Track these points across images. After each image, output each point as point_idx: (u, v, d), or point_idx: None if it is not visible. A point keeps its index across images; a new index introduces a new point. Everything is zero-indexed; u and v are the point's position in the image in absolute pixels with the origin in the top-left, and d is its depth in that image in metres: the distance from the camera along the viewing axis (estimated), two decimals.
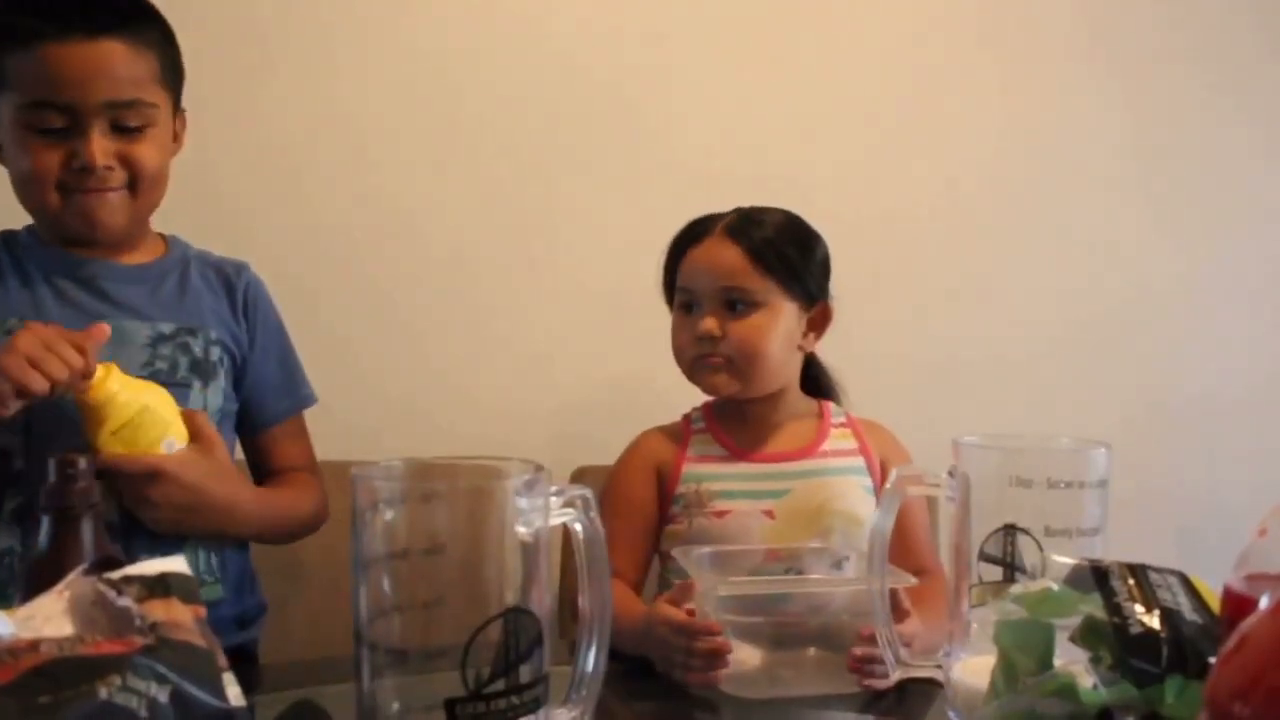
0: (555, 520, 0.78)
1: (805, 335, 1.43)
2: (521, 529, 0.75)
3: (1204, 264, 2.16)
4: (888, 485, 0.97)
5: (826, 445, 1.42)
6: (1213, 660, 0.55)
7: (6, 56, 1.17)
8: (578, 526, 0.80)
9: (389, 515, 0.75)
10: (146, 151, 1.21)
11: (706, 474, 1.39)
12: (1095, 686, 0.70)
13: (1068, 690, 0.71)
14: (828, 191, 2.00)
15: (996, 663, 0.77)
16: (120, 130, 1.19)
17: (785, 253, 1.39)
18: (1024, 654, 0.74)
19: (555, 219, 1.90)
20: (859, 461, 1.42)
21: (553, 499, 0.78)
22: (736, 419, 1.43)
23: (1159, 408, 2.12)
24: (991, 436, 0.93)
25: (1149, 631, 0.71)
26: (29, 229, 1.29)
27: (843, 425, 1.45)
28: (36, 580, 0.81)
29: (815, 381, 1.51)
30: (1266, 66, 2.17)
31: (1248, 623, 0.53)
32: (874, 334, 2.02)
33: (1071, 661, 0.73)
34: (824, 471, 1.39)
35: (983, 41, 2.07)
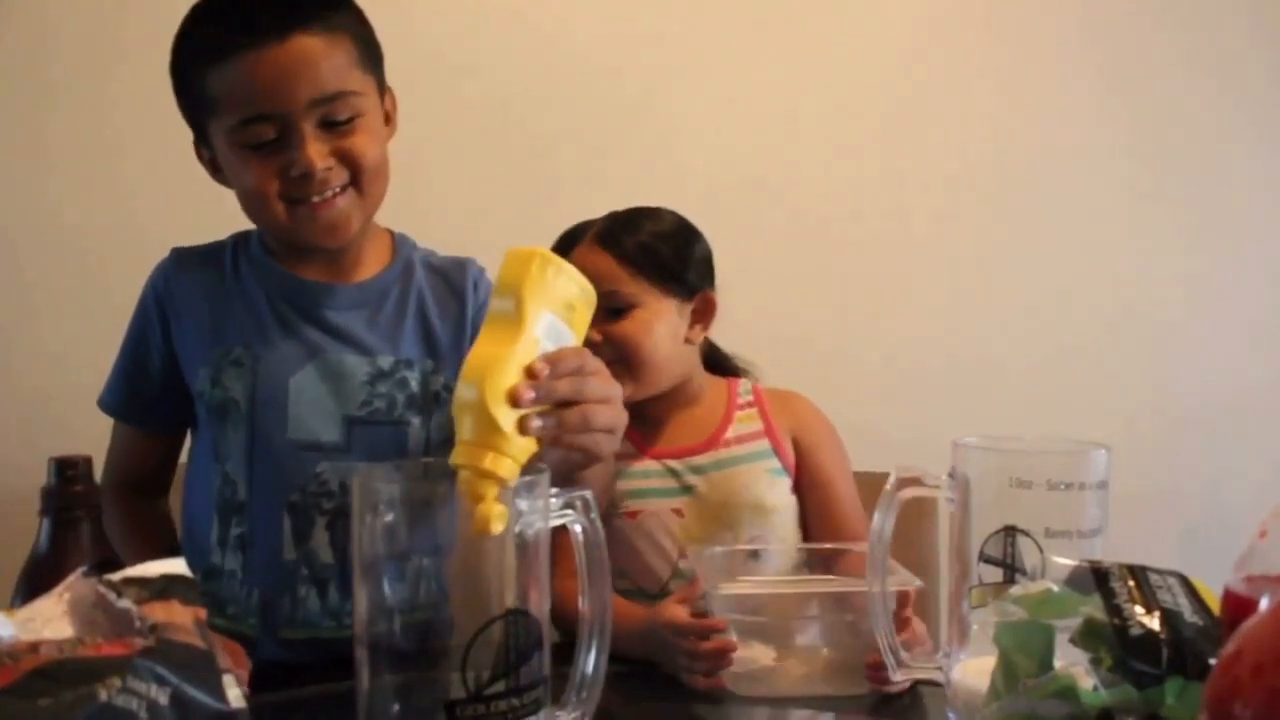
0: (555, 522, 0.78)
1: (692, 328, 1.42)
2: (521, 530, 0.75)
3: (1205, 267, 2.16)
4: (886, 487, 0.96)
5: (730, 432, 1.42)
6: (1213, 662, 0.55)
7: (208, 77, 1.14)
8: (577, 528, 0.80)
9: (389, 517, 0.75)
10: (362, 143, 1.16)
11: (617, 473, 1.38)
12: (1095, 688, 0.70)
13: (1068, 692, 0.71)
14: (829, 195, 2.00)
15: (997, 664, 0.77)
16: (331, 127, 1.14)
17: (658, 252, 1.38)
18: (1024, 655, 0.74)
19: (558, 220, 1.90)
20: (763, 444, 1.42)
21: (552, 501, 0.78)
22: (637, 416, 1.38)
23: (1160, 409, 2.12)
24: (991, 438, 0.93)
25: (1149, 633, 0.71)
26: (261, 235, 1.28)
27: (749, 405, 1.45)
28: (36, 582, 0.81)
29: (720, 366, 1.50)
30: (1268, 72, 2.17)
31: (1248, 624, 0.53)
32: (875, 335, 2.02)
33: (1072, 663, 0.73)
34: (728, 462, 1.39)
35: (984, 44, 2.08)
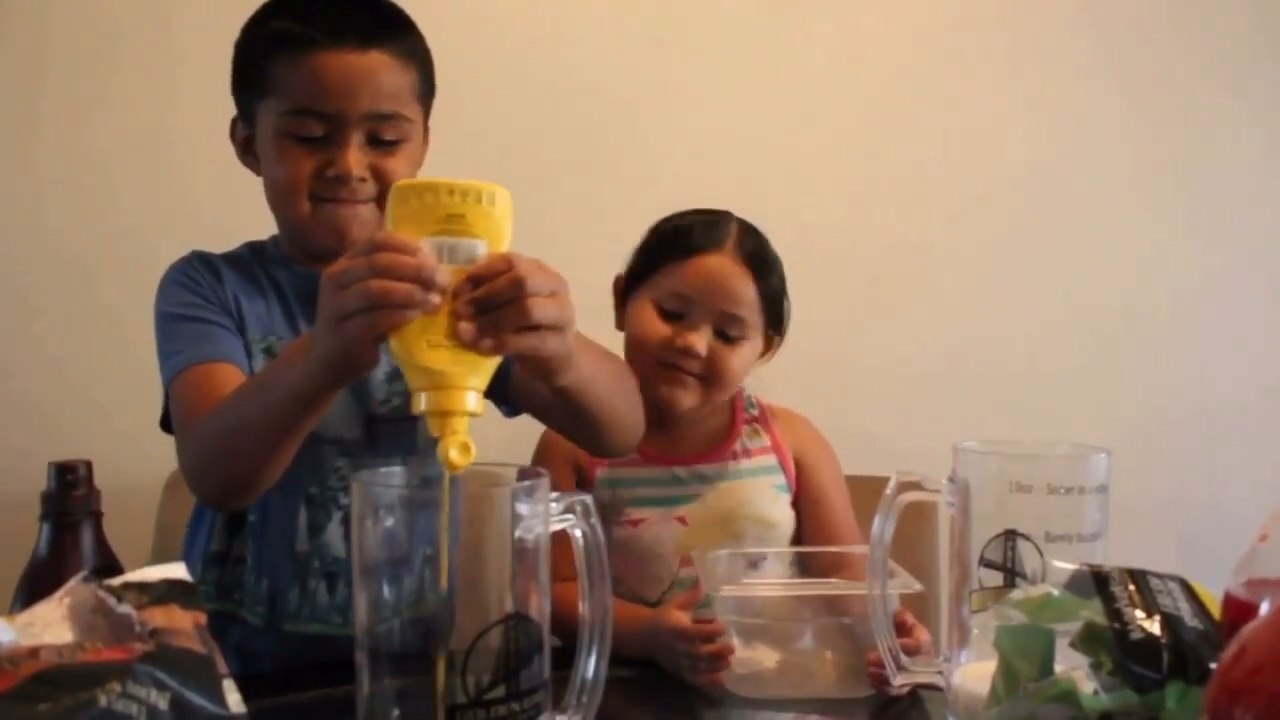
0: (555, 526, 0.78)
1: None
2: (521, 535, 0.75)
3: (1205, 272, 2.16)
4: (886, 491, 0.96)
5: (737, 445, 1.41)
6: (1213, 666, 0.55)
7: (275, 63, 1.16)
8: (578, 533, 0.80)
9: (389, 521, 0.75)
10: (399, 166, 1.18)
11: (620, 479, 1.38)
12: (1096, 692, 0.70)
13: (1068, 696, 0.71)
14: (829, 200, 2.00)
15: (997, 668, 0.77)
16: (376, 143, 1.17)
17: (780, 296, 1.39)
18: (1024, 660, 0.74)
19: (551, 222, 1.90)
20: (770, 460, 1.42)
21: (552, 505, 0.78)
22: (651, 419, 1.36)
23: (1160, 414, 2.12)
24: (991, 442, 0.93)
25: (1150, 637, 0.71)
26: (274, 241, 1.28)
27: (755, 420, 1.44)
28: (36, 587, 0.81)
29: None
30: (1278, 77, 2.17)
31: (1248, 628, 0.53)
32: (876, 339, 2.02)
33: (1072, 667, 0.73)
34: (735, 474, 1.39)
35: (986, 47, 2.08)
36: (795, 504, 1.42)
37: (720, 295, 1.35)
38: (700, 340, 1.34)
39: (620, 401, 1.14)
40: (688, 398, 1.36)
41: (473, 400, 0.80)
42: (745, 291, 1.35)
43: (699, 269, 1.35)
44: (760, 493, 1.39)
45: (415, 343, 0.80)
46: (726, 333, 1.35)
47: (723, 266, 1.35)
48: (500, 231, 0.84)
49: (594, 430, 1.13)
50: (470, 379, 0.80)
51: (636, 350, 1.38)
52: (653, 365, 1.36)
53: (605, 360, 1.11)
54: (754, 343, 1.38)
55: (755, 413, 1.45)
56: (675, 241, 1.38)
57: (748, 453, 1.41)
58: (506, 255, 0.83)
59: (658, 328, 1.36)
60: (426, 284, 0.79)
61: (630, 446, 1.22)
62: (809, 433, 1.47)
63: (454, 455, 0.77)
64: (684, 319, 1.35)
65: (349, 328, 0.84)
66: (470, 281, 0.81)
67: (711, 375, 1.35)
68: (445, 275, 0.80)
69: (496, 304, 0.82)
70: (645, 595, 1.35)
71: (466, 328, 0.80)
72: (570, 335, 0.90)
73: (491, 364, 0.82)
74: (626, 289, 1.42)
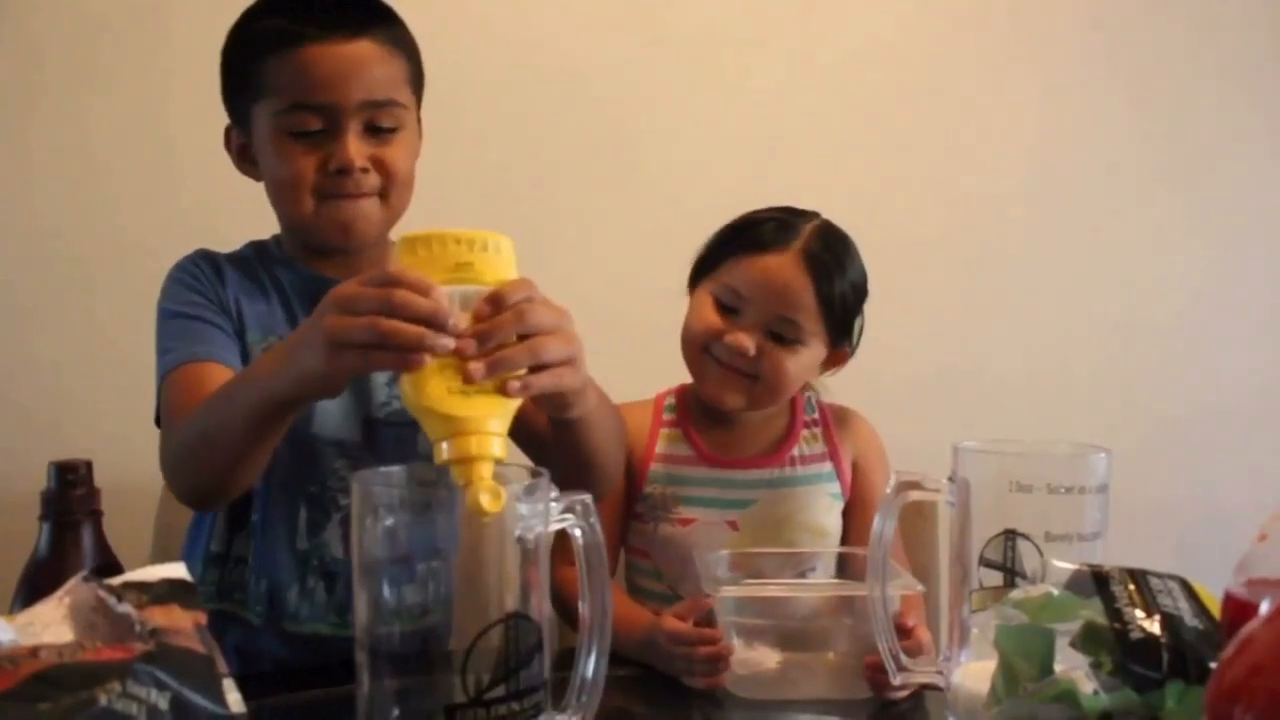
0: (555, 526, 0.78)
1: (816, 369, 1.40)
2: (521, 534, 0.75)
3: (1205, 274, 2.16)
4: (887, 491, 0.96)
5: (795, 450, 1.38)
6: (1213, 665, 0.55)
7: (266, 63, 1.16)
8: (577, 532, 0.80)
9: (389, 521, 0.75)
10: (398, 155, 1.18)
11: (674, 476, 1.36)
12: (1096, 692, 0.71)
13: (1068, 696, 0.71)
14: (830, 198, 2.00)
15: (997, 668, 0.77)
16: (374, 133, 1.17)
17: (848, 305, 1.34)
18: (1024, 659, 0.74)
19: (550, 225, 1.90)
20: (826, 467, 1.39)
21: (552, 505, 0.78)
22: (709, 417, 1.39)
23: (1160, 414, 2.12)
24: (991, 442, 0.93)
25: (1150, 637, 0.71)
26: (277, 241, 1.28)
27: (814, 423, 1.41)
28: (36, 586, 0.81)
29: None
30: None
31: (1248, 628, 0.53)
32: (876, 339, 2.01)
33: (1072, 667, 0.73)
34: (791, 481, 1.37)
35: (989, 49, 2.08)
36: (845, 509, 1.39)
37: (774, 298, 1.30)
38: (748, 340, 1.30)
39: (613, 443, 1.14)
40: (733, 397, 1.33)
41: (496, 445, 0.79)
42: (802, 296, 1.30)
43: (758, 267, 1.31)
44: (815, 500, 1.36)
45: (433, 390, 0.79)
46: (780, 335, 1.31)
47: (782, 268, 1.30)
48: (507, 277, 0.85)
49: (586, 468, 1.11)
50: (490, 422, 0.80)
51: (686, 338, 1.35)
52: (699, 355, 1.34)
53: (603, 398, 1.11)
54: (813, 350, 1.33)
55: (814, 415, 1.42)
56: (744, 236, 1.34)
57: (804, 459, 1.38)
58: (495, 293, 0.83)
59: (710, 319, 1.32)
60: (440, 326, 0.79)
61: (607, 491, 1.21)
62: (866, 434, 1.44)
63: (485, 501, 0.74)
64: (738, 316, 1.32)
65: (346, 359, 0.84)
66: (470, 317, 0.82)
67: (760, 376, 1.31)
68: (463, 320, 0.80)
69: (501, 338, 0.82)
70: (682, 594, 1.33)
71: (476, 366, 0.80)
72: (583, 367, 0.91)
73: (511, 407, 0.82)
74: (695, 277, 1.39)
